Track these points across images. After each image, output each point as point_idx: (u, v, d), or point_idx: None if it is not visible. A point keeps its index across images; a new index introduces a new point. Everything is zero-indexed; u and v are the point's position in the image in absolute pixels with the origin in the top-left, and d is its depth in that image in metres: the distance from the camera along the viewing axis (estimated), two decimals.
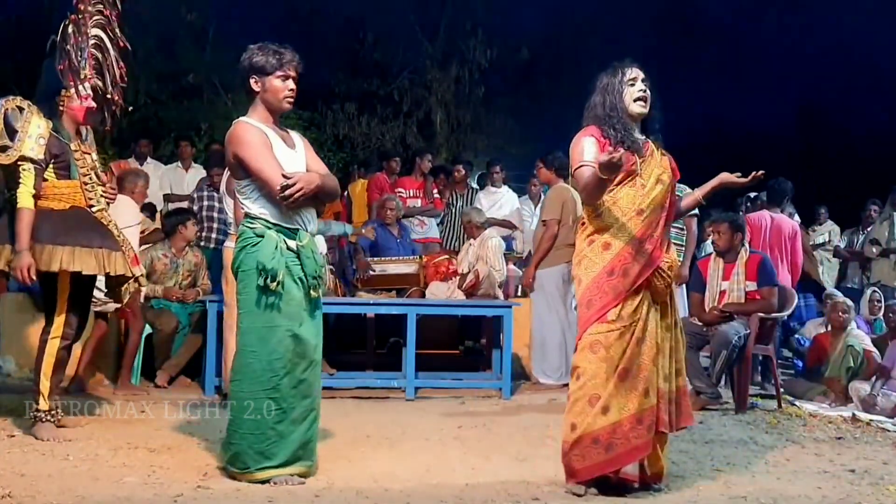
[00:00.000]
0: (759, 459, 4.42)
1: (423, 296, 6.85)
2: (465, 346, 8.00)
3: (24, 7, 12.58)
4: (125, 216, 6.21)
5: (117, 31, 4.61)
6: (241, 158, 3.67)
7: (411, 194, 8.91)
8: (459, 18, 13.86)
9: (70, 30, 4.48)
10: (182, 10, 11.90)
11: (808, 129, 18.43)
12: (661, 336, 3.66)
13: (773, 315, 6.21)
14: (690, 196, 3.98)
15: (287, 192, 3.57)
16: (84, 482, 3.56)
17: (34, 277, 4.31)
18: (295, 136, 3.93)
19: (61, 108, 4.50)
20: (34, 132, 4.34)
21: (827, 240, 10.18)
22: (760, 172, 3.70)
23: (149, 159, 9.05)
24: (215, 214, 7.47)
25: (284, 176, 3.60)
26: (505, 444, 4.63)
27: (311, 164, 3.85)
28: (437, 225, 9.05)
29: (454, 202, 8.98)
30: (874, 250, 8.55)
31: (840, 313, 6.68)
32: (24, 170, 4.31)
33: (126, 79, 4.69)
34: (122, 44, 4.63)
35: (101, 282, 4.82)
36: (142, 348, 6.43)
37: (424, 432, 4.91)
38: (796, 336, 7.79)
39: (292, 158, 3.78)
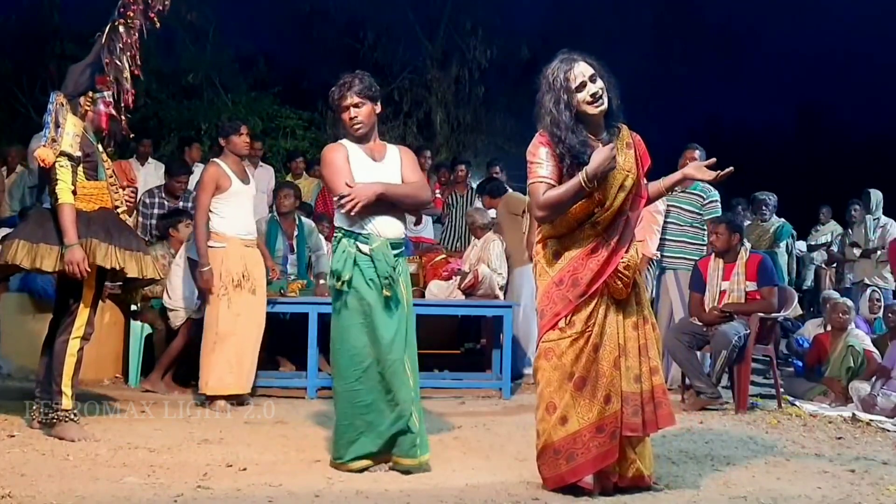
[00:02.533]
0: (759, 459, 4.41)
1: (423, 296, 6.84)
2: (465, 346, 7.97)
3: (24, 7, 12.60)
4: None
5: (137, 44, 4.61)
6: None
7: None
8: (459, 18, 13.86)
9: (120, 30, 4.48)
10: (182, 9, 11.89)
11: (807, 129, 18.45)
12: (625, 336, 3.50)
13: (773, 315, 6.21)
14: (654, 186, 3.81)
15: (342, 202, 3.81)
16: (84, 482, 3.56)
17: (88, 270, 4.32)
18: (392, 149, 4.15)
19: (85, 110, 4.50)
20: (71, 129, 4.37)
21: (829, 240, 10.20)
22: (730, 169, 3.60)
23: (149, 159, 9.05)
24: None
25: (348, 186, 3.84)
26: (505, 444, 4.63)
27: (405, 173, 4.07)
28: (435, 223, 9.04)
29: (454, 203, 8.97)
30: (855, 252, 8.79)
31: (840, 314, 6.67)
32: (60, 166, 4.32)
33: (134, 93, 4.71)
34: (137, 62, 4.64)
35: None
36: (141, 348, 6.43)
37: None
38: (796, 336, 7.78)
39: (374, 171, 3.98)
